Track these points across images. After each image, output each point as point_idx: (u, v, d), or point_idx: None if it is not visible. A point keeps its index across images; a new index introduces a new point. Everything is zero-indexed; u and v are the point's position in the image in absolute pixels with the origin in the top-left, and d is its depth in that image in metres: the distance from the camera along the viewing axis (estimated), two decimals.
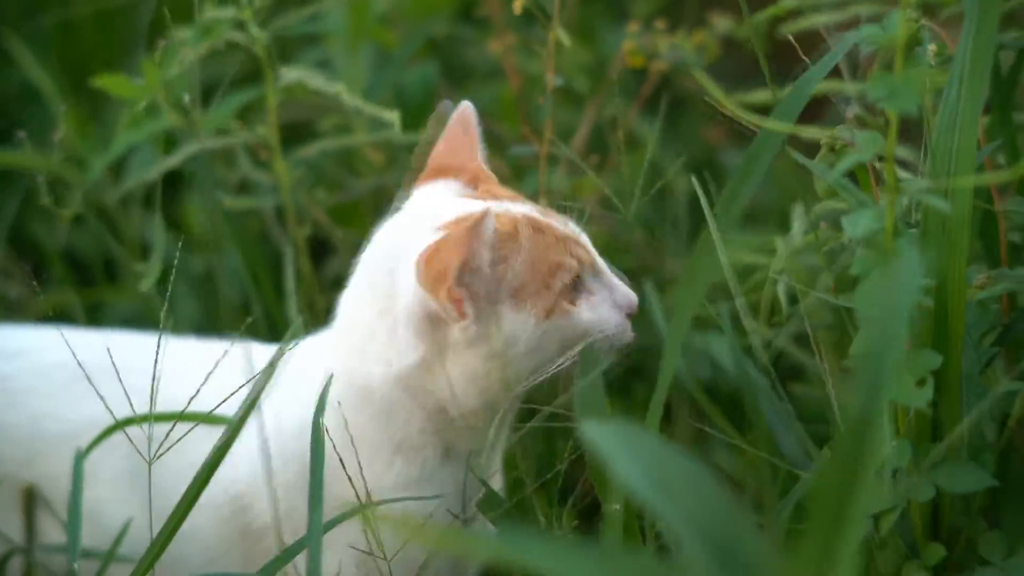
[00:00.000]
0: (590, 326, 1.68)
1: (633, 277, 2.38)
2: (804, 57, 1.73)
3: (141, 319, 2.31)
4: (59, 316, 2.43)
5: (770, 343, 2.00)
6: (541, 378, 1.68)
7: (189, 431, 1.71)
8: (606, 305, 1.70)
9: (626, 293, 1.72)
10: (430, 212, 1.72)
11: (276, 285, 2.33)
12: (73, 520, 1.74)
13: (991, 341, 1.69)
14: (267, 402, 1.71)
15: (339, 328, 1.76)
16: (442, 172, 1.79)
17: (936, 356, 1.54)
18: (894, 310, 1.21)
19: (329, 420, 1.69)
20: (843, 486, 1.18)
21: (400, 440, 1.72)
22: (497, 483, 1.80)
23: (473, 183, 1.78)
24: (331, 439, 1.68)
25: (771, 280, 1.95)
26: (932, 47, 1.66)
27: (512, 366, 1.66)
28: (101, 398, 1.73)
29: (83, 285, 2.58)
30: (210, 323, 2.47)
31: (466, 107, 1.82)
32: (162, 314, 1.72)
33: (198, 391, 1.71)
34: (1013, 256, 1.80)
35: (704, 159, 2.25)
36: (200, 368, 1.75)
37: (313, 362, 1.76)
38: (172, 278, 1.76)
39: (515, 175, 2.39)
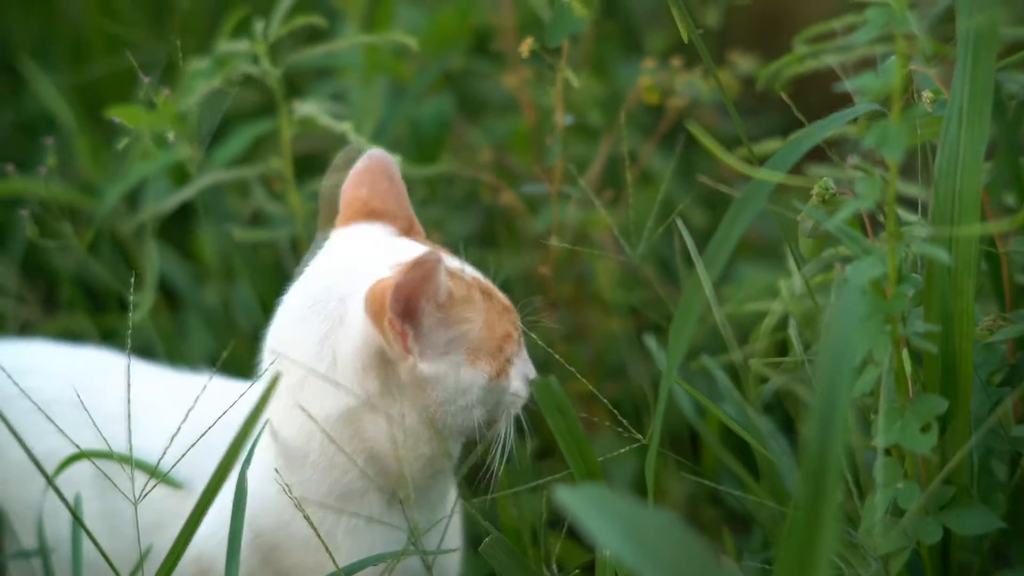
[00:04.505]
0: (516, 393, 1.73)
1: (644, 312, 2.40)
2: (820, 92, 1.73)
3: (151, 348, 2.31)
4: (69, 340, 2.45)
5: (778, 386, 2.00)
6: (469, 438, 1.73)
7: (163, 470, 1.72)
8: (522, 377, 1.74)
9: (531, 368, 1.76)
10: (382, 251, 1.73)
11: None
12: (75, 558, 1.75)
13: (999, 381, 1.69)
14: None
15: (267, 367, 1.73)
16: (375, 215, 1.79)
17: (942, 401, 1.54)
18: (841, 351, 1.24)
19: (270, 482, 1.71)
20: (805, 532, 1.22)
21: (344, 488, 1.71)
22: (454, 526, 1.82)
23: (406, 232, 1.79)
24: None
25: (769, 323, 1.97)
26: (928, 93, 1.66)
27: (457, 416, 1.69)
28: (54, 430, 1.75)
29: (97, 313, 2.58)
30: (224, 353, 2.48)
31: (384, 155, 1.82)
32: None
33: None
34: (1020, 297, 1.79)
35: (717, 193, 2.25)
36: (173, 401, 1.76)
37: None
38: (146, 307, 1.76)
39: (529, 209, 2.40)
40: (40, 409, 1.77)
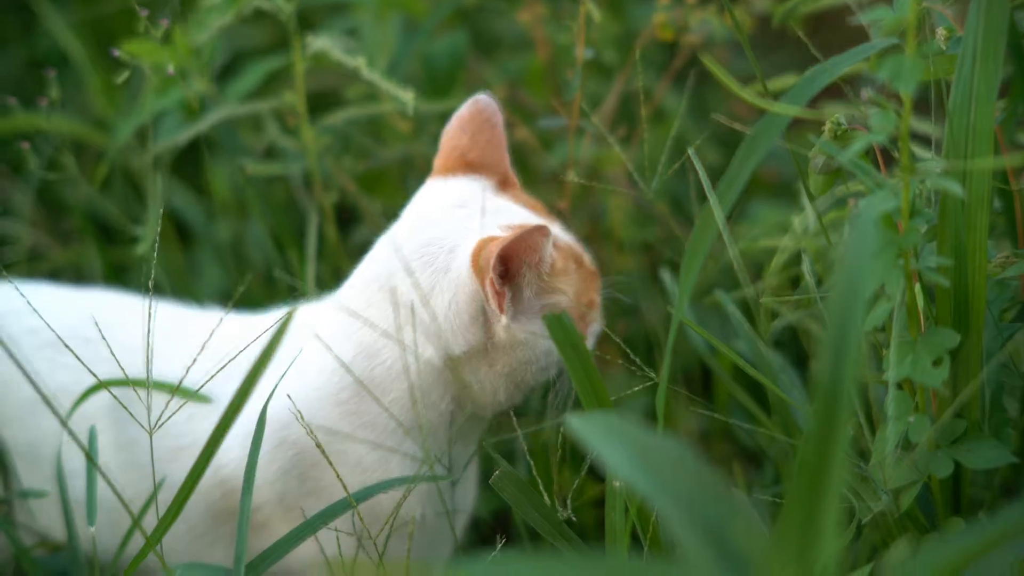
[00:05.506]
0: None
1: (656, 248, 2.40)
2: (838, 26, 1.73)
3: (161, 281, 2.32)
4: (78, 270, 2.45)
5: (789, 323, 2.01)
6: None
7: (173, 403, 1.74)
8: (594, 336, 1.83)
9: (599, 330, 1.83)
10: (492, 208, 1.77)
11: (301, 252, 2.33)
12: (89, 486, 1.76)
13: (1012, 317, 1.69)
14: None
15: (362, 305, 1.77)
16: (473, 168, 1.83)
17: (954, 335, 1.54)
18: (854, 283, 1.24)
19: (335, 407, 1.75)
20: (815, 463, 1.22)
21: (414, 422, 1.75)
22: (472, 467, 1.87)
23: (502, 186, 1.83)
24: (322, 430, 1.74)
25: (780, 259, 1.97)
26: (942, 30, 1.66)
27: (537, 374, 1.76)
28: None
29: (107, 245, 2.59)
30: (235, 289, 2.48)
31: (489, 102, 1.85)
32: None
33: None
34: None
35: (731, 132, 2.24)
36: (186, 337, 1.79)
37: (318, 341, 1.78)
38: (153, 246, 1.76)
39: (543, 145, 2.39)
40: (63, 344, 1.79)
